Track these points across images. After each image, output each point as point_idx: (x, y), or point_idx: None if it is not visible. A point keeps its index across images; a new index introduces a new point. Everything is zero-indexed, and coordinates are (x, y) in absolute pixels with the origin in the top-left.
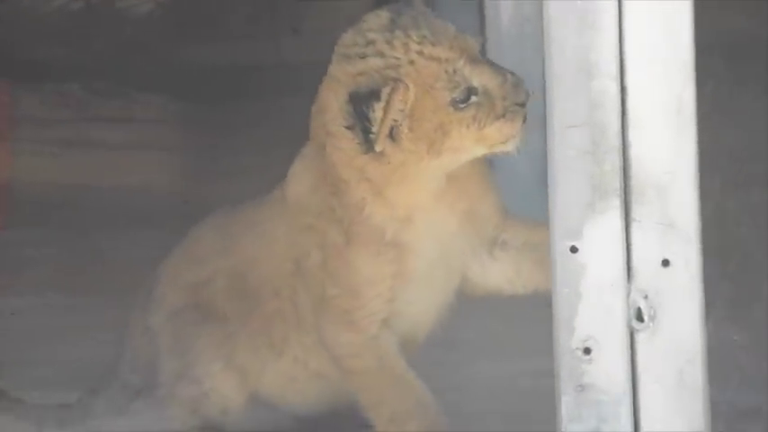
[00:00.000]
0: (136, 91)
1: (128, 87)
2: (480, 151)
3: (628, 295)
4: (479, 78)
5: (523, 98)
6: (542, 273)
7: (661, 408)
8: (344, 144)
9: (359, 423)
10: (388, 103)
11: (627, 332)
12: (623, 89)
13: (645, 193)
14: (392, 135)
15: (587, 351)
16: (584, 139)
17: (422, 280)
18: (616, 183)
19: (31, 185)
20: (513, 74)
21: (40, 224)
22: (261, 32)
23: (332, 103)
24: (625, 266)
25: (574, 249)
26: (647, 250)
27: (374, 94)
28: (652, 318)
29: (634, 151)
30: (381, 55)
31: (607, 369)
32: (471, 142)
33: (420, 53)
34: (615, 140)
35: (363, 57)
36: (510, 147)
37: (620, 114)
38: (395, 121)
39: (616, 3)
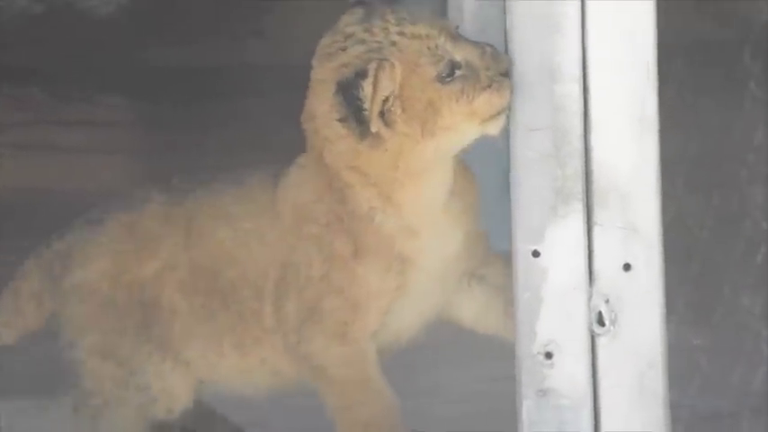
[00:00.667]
0: (97, 93)
1: (89, 90)
2: (472, 129)
3: (589, 299)
4: (461, 52)
5: (506, 66)
6: (509, 322)
7: (622, 411)
8: (342, 145)
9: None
10: (375, 77)
11: (588, 336)
12: (586, 93)
13: (607, 198)
14: (385, 120)
15: (549, 355)
16: (547, 142)
17: (418, 294)
18: (578, 187)
19: None
20: (490, 45)
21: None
22: (223, 34)
23: (320, 106)
24: (587, 270)
25: (536, 253)
26: (608, 254)
27: (361, 74)
28: (613, 322)
29: (596, 155)
30: (362, 42)
31: (568, 373)
32: (463, 118)
33: (401, 33)
34: (578, 144)
35: (344, 49)
36: (497, 126)
37: (582, 118)
38: (385, 100)
39: (579, 7)
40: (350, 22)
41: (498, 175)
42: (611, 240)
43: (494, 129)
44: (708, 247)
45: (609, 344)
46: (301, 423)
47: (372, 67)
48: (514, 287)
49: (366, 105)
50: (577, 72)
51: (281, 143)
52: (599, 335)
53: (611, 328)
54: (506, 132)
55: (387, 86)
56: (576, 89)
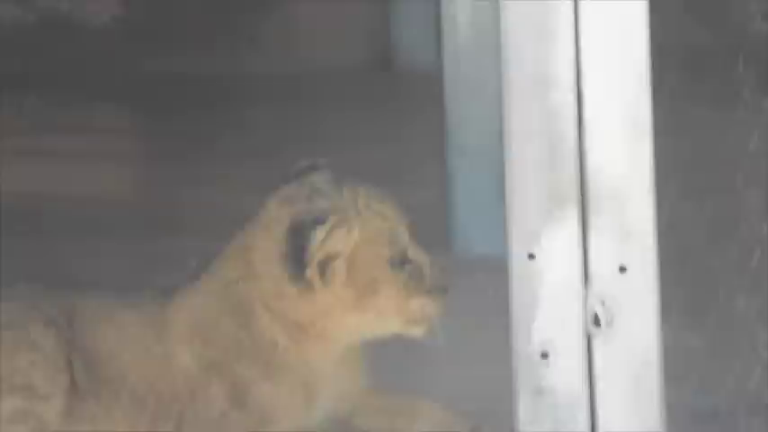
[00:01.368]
0: (92, 101)
1: (84, 98)
2: (394, 326)
3: (585, 301)
4: (413, 252)
5: (447, 284)
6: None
7: (617, 411)
8: (269, 283)
9: None
10: (332, 230)
11: (584, 337)
12: (580, 99)
13: (602, 201)
14: (326, 276)
15: (545, 355)
16: (542, 147)
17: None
18: (573, 191)
19: None
20: (440, 261)
21: None
22: (219, 43)
23: (264, 241)
24: (582, 273)
25: (531, 256)
26: (603, 257)
27: (319, 221)
28: (609, 323)
29: (591, 160)
30: (328, 198)
31: (564, 373)
32: (393, 311)
33: (367, 206)
34: (572, 149)
35: (309, 198)
36: (420, 331)
37: (576, 123)
38: (333, 257)
39: (572, 13)
40: (319, 179)
41: (493, 179)
42: (607, 243)
43: (418, 332)
44: (702, 250)
45: (605, 344)
46: None
47: (333, 219)
48: (510, 289)
49: (313, 248)
50: (571, 78)
51: (275, 151)
52: (595, 336)
53: (607, 329)
54: (500, 138)
55: (339, 243)
56: (570, 96)
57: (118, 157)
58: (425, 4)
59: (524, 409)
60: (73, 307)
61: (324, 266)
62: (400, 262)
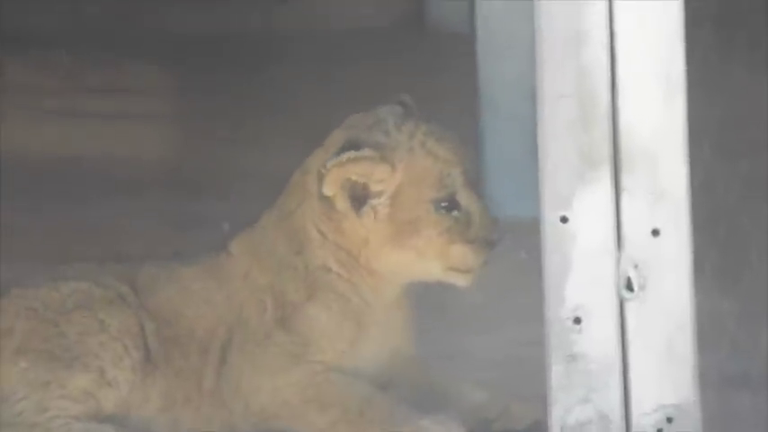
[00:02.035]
0: (123, 60)
1: (115, 56)
2: (435, 270)
3: (617, 265)
4: (467, 198)
5: (495, 237)
6: None
7: (650, 376)
8: (319, 205)
9: None
10: (375, 164)
11: (617, 301)
12: (612, 58)
13: (634, 163)
14: (362, 207)
15: (577, 321)
16: (574, 108)
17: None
18: (606, 152)
19: (17, 155)
20: (495, 216)
21: (28, 193)
22: (249, 0)
23: (319, 164)
24: (615, 236)
25: (564, 219)
26: (636, 220)
27: (354, 146)
28: (642, 287)
29: (623, 120)
30: (386, 133)
31: (597, 338)
32: (433, 253)
33: (422, 144)
34: (605, 109)
35: (370, 128)
36: (463, 280)
37: (609, 83)
38: (372, 192)
39: None
40: (387, 111)
41: (526, 141)
42: (639, 206)
43: (460, 281)
44: (735, 212)
45: (638, 308)
46: None
47: (377, 155)
48: (543, 253)
49: (334, 171)
50: (604, 37)
51: (305, 109)
52: (628, 300)
53: (640, 293)
54: (533, 98)
55: (381, 179)
56: (603, 55)
57: (148, 115)
58: None
59: (556, 375)
60: (135, 276)
61: (361, 199)
62: (448, 206)
